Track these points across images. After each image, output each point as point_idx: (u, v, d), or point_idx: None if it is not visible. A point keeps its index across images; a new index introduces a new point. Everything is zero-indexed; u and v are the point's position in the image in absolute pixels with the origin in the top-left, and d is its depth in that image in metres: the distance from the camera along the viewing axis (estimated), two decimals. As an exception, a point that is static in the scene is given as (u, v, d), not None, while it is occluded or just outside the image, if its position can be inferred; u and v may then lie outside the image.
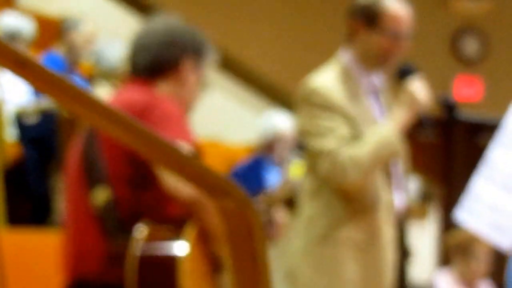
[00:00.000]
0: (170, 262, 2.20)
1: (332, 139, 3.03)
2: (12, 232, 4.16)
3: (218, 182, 0.53)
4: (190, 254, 2.24)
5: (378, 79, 3.21)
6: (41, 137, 4.99)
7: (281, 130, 5.77)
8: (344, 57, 3.17)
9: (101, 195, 2.30)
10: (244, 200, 0.54)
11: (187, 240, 2.25)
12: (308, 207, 3.13)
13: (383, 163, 3.12)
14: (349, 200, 3.07)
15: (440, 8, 8.93)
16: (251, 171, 5.59)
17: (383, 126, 3.11)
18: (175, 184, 2.23)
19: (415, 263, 6.07)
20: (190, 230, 2.28)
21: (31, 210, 5.10)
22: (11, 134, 5.02)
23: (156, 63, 2.57)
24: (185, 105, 2.59)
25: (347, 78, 3.13)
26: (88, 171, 2.35)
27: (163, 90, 2.54)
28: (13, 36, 5.38)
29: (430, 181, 6.67)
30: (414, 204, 6.34)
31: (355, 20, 3.14)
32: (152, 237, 2.24)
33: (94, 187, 2.32)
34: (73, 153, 2.48)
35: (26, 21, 5.56)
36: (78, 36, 5.88)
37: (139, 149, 0.51)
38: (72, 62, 5.83)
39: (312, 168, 3.13)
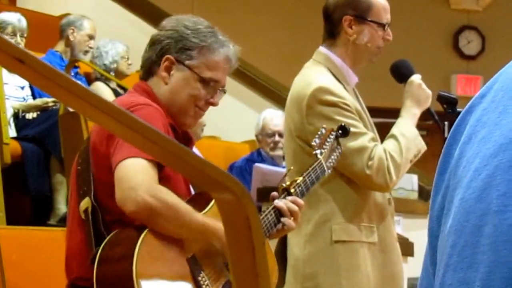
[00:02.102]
0: (126, 261, 2.23)
1: (366, 137, 2.97)
2: (11, 230, 4.15)
3: (215, 175, 0.53)
4: (147, 253, 2.25)
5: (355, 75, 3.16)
6: (41, 134, 4.98)
7: (267, 123, 5.77)
8: (331, 55, 3.10)
9: (86, 204, 2.38)
10: (241, 193, 0.54)
11: (143, 240, 2.26)
12: (316, 211, 3.02)
13: (412, 162, 3.08)
14: (361, 202, 3.02)
15: (443, 5, 8.94)
16: (248, 165, 5.58)
17: (406, 125, 3.06)
18: (120, 197, 2.25)
19: (418, 261, 6.06)
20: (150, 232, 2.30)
21: (30, 208, 5.09)
22: (10, 131, 5.01)
23: (144, 62, 2.58)
24: (173, 107, 2.52)
25: (340, 76, 3.07)
26: (79, 180, 2.43)
27: (155, 91, 2.54)
28: (3, 26, 5.34)
29: (428, 177, 6.66)
30: (416, 201, 6.32)
31: (342, 17, 3.07)
32: (115, 241, 2.30)
33: (83, 197, 2.40)
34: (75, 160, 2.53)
35: (15, 14, 5.51)
36: (78, 34, 5.88)
37: (137, 145, 0.51)
38: (71, 60, 5.83)
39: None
